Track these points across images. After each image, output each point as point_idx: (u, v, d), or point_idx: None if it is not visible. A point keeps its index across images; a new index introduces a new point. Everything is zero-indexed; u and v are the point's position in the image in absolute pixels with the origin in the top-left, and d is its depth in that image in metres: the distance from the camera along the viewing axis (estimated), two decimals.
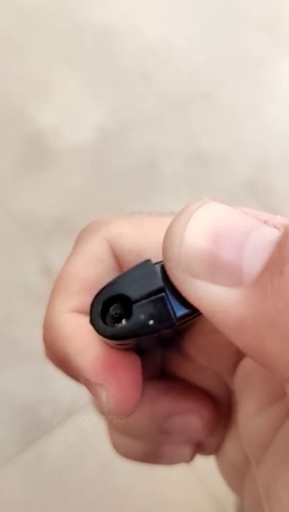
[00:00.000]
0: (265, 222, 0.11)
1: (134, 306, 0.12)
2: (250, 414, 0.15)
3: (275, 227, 0.10)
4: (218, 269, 0.10)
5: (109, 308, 0.12)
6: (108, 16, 0.99)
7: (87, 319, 0.14)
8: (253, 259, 0.10)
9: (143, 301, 0.12)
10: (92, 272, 0.15)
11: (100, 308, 0.13)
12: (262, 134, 0.90)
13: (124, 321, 0.12)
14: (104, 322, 0.12)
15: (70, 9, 0.98)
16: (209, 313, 0.10)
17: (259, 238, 0.10)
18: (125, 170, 0.82)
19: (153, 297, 0.12)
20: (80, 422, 0.61)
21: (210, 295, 0.10)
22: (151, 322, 0.12)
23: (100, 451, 0.60)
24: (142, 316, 0.12)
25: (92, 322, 0.13)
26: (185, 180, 0.83)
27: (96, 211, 0.75)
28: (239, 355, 0.16)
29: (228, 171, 0.85)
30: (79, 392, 0.61)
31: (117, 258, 0.15)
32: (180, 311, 0.12)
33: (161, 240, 0.11)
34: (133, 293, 0.12)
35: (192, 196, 0.82)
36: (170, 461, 0.18)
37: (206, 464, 0.20)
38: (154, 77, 0.93)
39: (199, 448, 0.18)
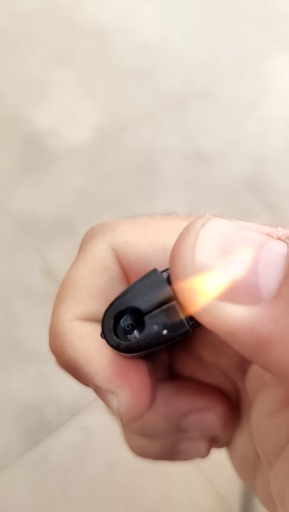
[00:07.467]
0: (268, 235, 0.10)
1: (146, 317, 0.12)
2: (264, 415, 0.15)
3: (280, 239, 0.10)
4: (234, 288, 0.10)
5: (120, 321, 0.12)
6: (103, 15, 0.98)
7: (93, 326, 0.14)
8: (269, 274, 0.10)
9: (154, 312, 0.12)
10: (97, 279, 0.15)
11: (112, 322, 0.13)
12: (260, 130, 0.90)
13: (136, 333, 0.12)
14: (116, 335, 0.12)
15: (66, 10, 0.98)
16: (228, 334, 0.10)
17: (270, 253, 0.10)
18: (124, 169, 0.82)
19: (164, 306, 0.12)
20: (83, 422, 0.61)
21: (229, 315, 0.10)
22: (165, 332, 0.12)
23: (104, 451, 0.60)
24: (156, 327, 0.12)
25: (104, 337, 0.13)
26: (184, 178, 0.83)
27: (95, 211, 0.75)
28: None
29: (227, 168, 0.85)
30: (82, 392, 0.61)
31: (122, 266, 0.15)
32: (192, 317, 0.12)
33: (168, 246, 0.11)
34: (144, 304, 0.12)
35: (191, 194, 0.82)
36: (187, 456, 0.18)
37: (210, 461, 0.20)
38: (150, 76, 0.93)
39: (214, 442, 0.18)
